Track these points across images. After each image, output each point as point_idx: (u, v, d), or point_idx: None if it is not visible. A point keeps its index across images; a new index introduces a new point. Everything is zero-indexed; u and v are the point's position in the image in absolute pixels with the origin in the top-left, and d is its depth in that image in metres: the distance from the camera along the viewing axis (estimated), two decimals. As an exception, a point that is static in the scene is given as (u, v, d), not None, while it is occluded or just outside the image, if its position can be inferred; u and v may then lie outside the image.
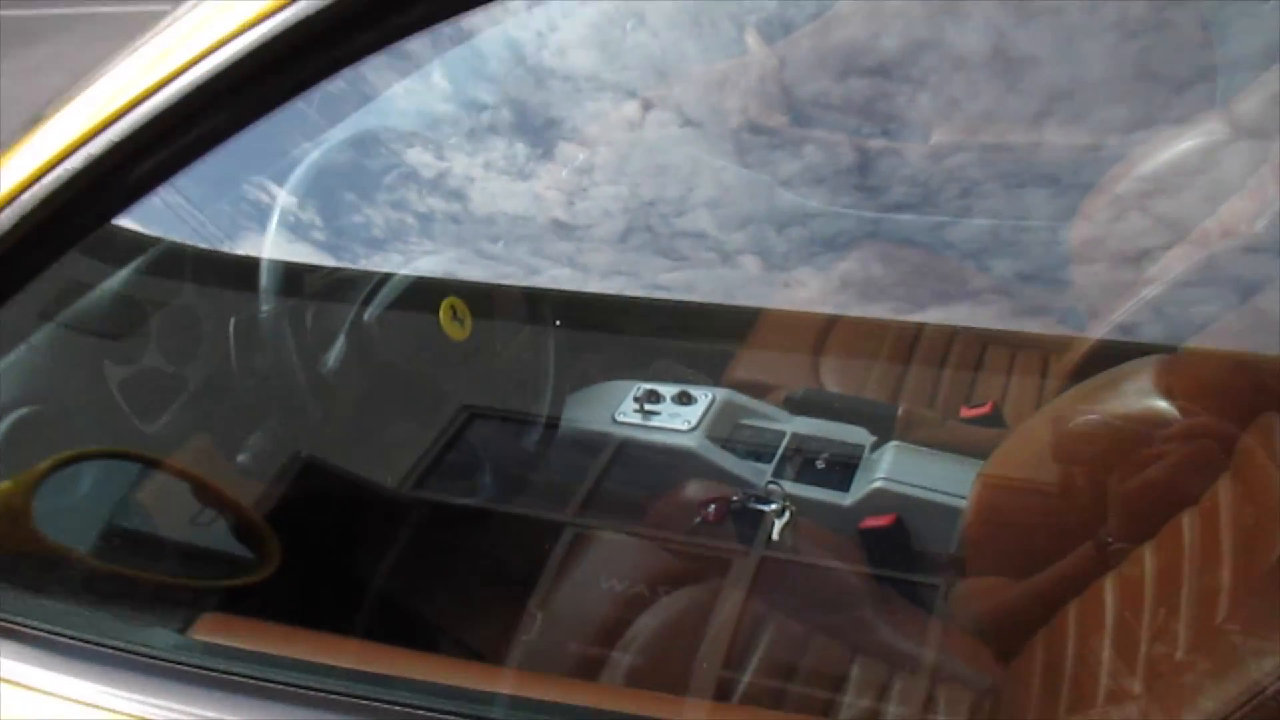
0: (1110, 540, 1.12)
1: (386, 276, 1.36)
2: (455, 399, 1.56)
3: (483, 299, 1.49)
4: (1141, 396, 1.13)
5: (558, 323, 1.60)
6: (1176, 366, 1.12)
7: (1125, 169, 1.56)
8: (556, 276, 1.67)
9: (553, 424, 1.60)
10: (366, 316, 1.30)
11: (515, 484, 1.60)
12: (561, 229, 1.72)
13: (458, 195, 1.64)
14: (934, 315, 1.76)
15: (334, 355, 1.26)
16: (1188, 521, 1.06)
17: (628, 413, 1.67)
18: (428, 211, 1.61)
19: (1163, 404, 1.10)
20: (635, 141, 1.82)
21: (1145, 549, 1.10)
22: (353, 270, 1.40)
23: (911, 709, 1.35)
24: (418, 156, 1.63)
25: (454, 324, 1.37)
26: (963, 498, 1.44)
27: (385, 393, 1.42)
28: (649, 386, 1.71)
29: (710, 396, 1.68)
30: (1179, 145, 1.52)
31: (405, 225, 1.60)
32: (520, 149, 1.73)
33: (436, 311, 1.36)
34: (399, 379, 1.44)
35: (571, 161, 1.74)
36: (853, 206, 1.84)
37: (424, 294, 1.40)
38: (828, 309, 1.78)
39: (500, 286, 1.55)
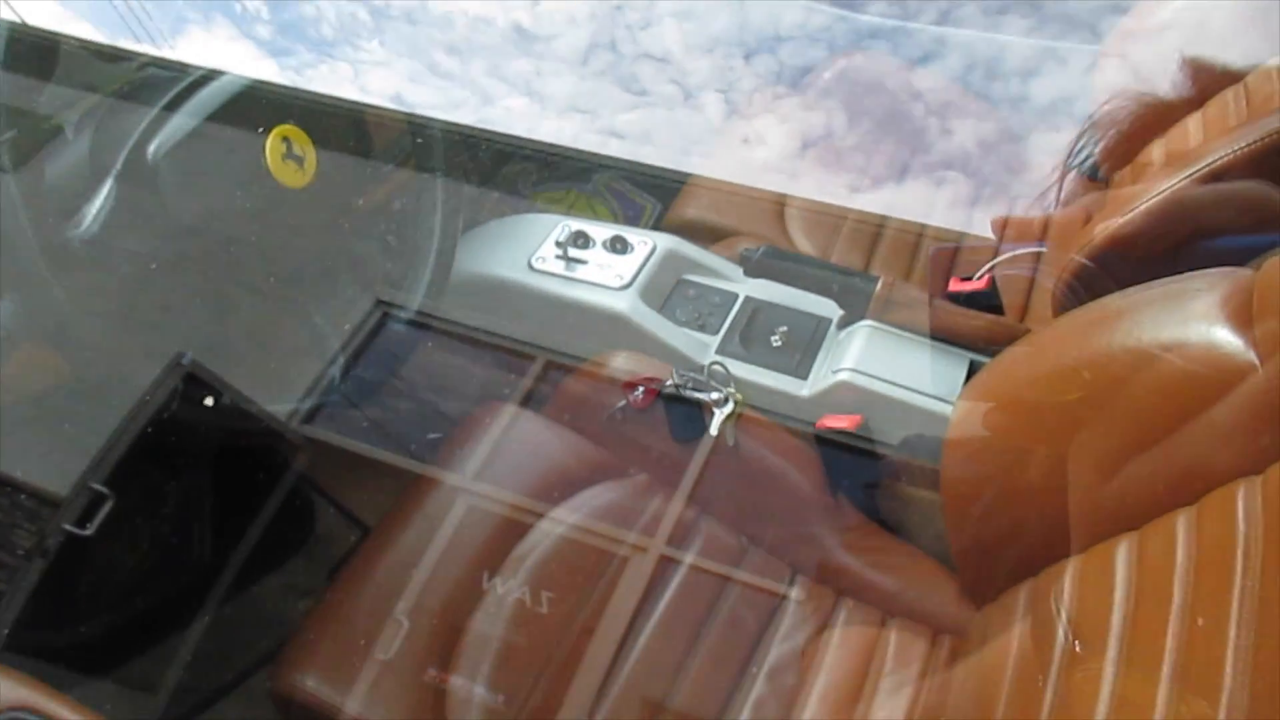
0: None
1: (197, 80, 0.99)
2: (287, 274, 1.22)
3: (329, 124, 1.13)
4: (1205, 324, 0.86)
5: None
6: (1265, 285, 0.84)
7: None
8: (510, 107, 1.43)
9: (441, 271, 1.29)
10: (151, 154, 0.93)
11: (378, 376, 1.31)
12: (523, 38, 1.48)
13: None
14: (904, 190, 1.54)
15: (92, 212, 0.89)
16: (1244, 494, 0.81)
17: (547, 258, 1.36)
18: (383, 5, 1.41)
19: (1233, 340, 0.83)
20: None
21: (1179, 516, 0.85)
22: (157, 62, 1.03)
23: (854, 641, 1.14)
24: None
25: (288, 164, 1.01)
26: (945, 400, 1.19)
27: (170, 279, 1.08)
28: (576, 226, 1.39)
29: (650, 245, 1.38)
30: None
31: (358, 22, 1.36)
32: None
33: (262, 146, 0.99)
34: (195, 252, 1.09)
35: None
36: (824, 31, 1.60)
37: (243, 115, 1.03)
38: (782, 178, 1.54)
39: (352, 105, 1.20)
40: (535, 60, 1.52)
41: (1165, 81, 1.50)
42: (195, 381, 1.12)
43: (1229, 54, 1.40)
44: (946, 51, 1.61)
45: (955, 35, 1.59)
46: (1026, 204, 1.55)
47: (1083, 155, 1.51)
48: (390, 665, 1.05)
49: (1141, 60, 1.53)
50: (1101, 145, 1.60)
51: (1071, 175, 1.54)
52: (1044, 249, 1.49)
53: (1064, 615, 0.91)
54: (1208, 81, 1.44)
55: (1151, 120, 1.52)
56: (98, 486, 1.01)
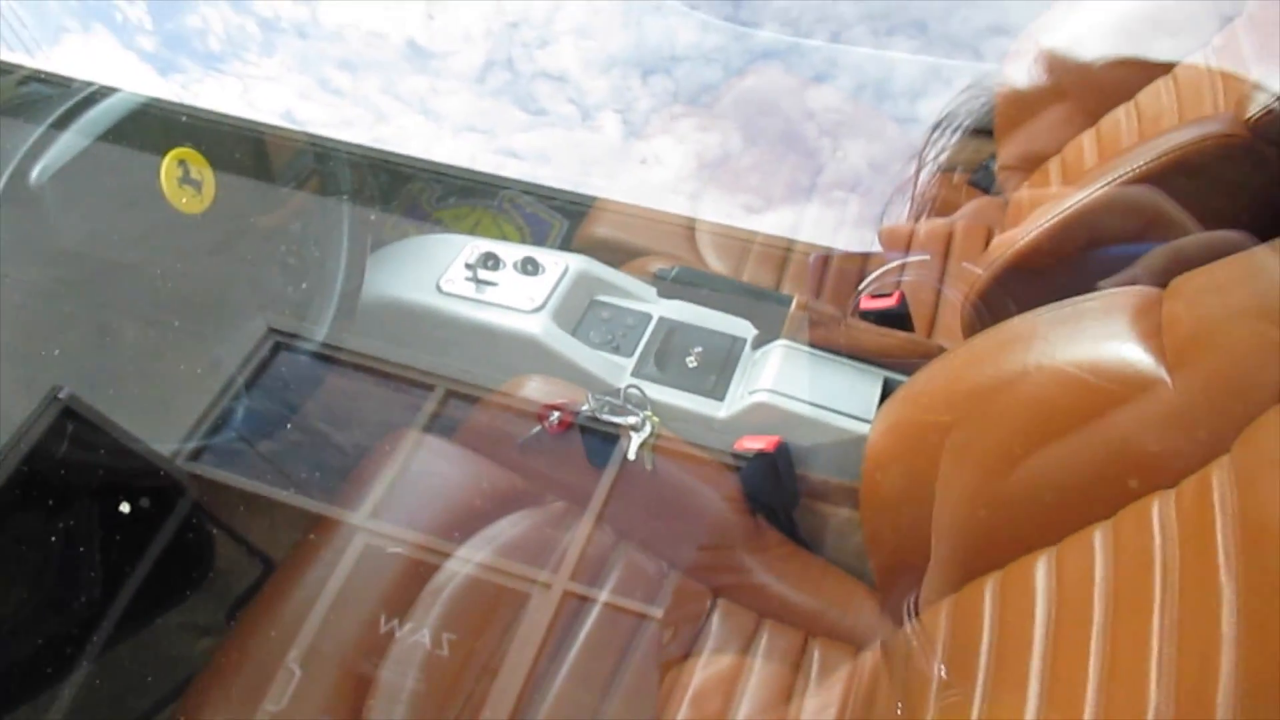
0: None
1: (85, 98, 0.93)
2: (177, 302, 1.16)
3: (225, 145, 1.08)
4: (1116, 341, 0.87)
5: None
6: (1173, 302, 0.86)
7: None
8: (404, 126, 1.39)
9: (349, 297, 1.24)
10: (34, 176, 0.86)
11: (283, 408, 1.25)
12: (417, 55, 1.44)
13: None
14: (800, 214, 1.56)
15: None
16: (1159, 507, 0.83)
17: (456, 281, 1.32)
18: (272, 17, 1.34)
19: (1144, 356, 0.85)
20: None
21: (1096, 530, 0.87)
22: (40, 77, 0.96)
23: (778, 663, 1.13)
24: None
25: (184, 189, 0.95)
26: (860, 419, 1.19)
27: (49, 307, 1.01)
28: (486, 247, 1.36)
29: (562, 266, 1.35)
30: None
31: (246, 34, 1.29)
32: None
33: (157, 169, 0.93)
34: (78, 279, 1.02)
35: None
36: (719, 51, 1.61)
37: (134, 135, 0.97)
38: (681, 199, 1.55)
39: (253, 128, 1.14)
40: (430, 78, 1.48)
41: (1059, 95, 1.55)
42: (74, 416, 1.05)
43: (1119, 72, 1.45)
44: (838, 72, 1.63)
45: (846, 55, 1.61)
46: (894, 206, 1.59)
47: (937, 151, 1.56)
48: (279, 718, 1.00)
49: (1035, 76, 1.58)
50: (998, 163, 1.65)
51: (928, 173, 1.59)
52: (925, 258, 1.53)
53: (986, 634, 0.91)
54: (1100, 96, 1.49)
55: (1046, 130, 1.57)
56: (-32, 528, 0.94)
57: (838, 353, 1.25)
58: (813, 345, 1.26)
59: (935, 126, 1.59)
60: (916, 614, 1.04)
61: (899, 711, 0.92)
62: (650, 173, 1.55)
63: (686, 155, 1.54)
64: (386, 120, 1.42)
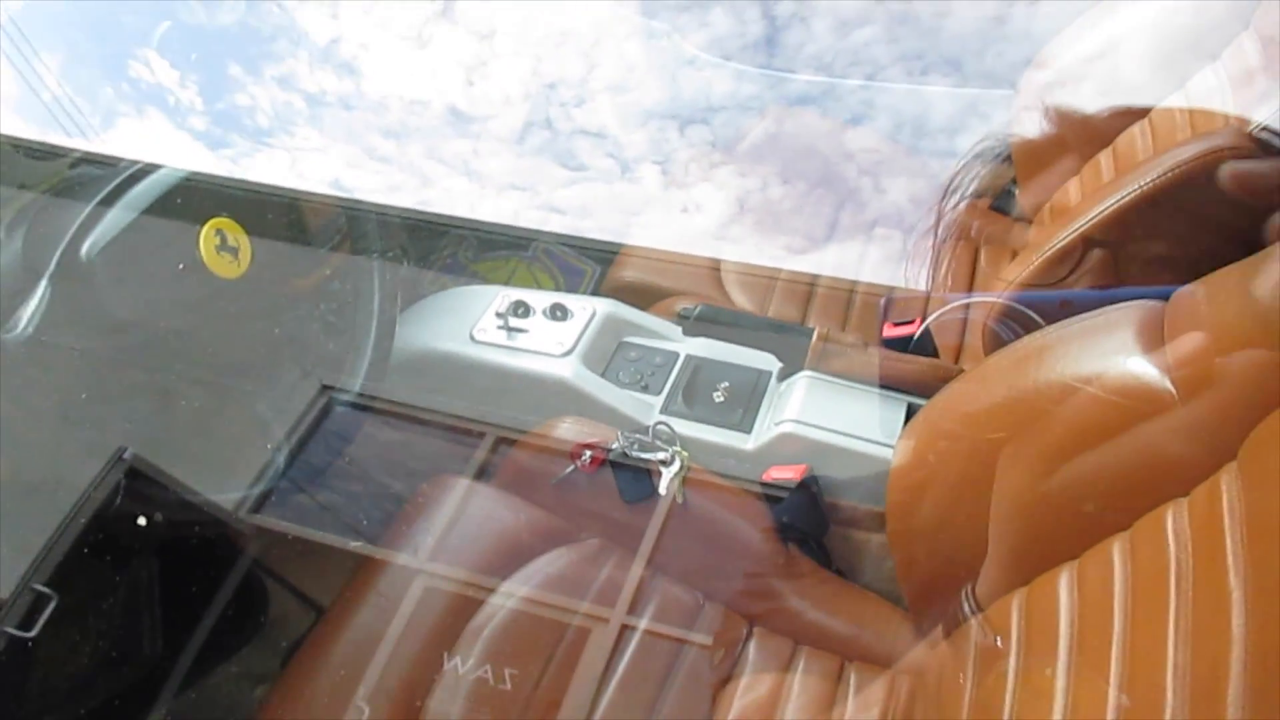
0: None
1: (129, 176, 1.00)
2: (228, 364, 1.22)
3: (262, 213, 1.14)
4: (1120, 356, 0.89)
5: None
6: (1174, 316, 0.88)
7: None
8: (449, 188, 1.44)
9: (382, 349, 1.29)
10: (84, 252, 0.94)
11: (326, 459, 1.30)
12: (459, 120, 1.49)
13: (350, 69, 1.38)
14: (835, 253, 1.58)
15: (27, 314, 0.90)
16: (1172, 516, 0.84)
17: (489, 330, 1.37)
18: (318, 92, 1.39)
19: (1149, 370, 0.86)
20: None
21: (1115, 541, 0.88)
22: (89, 158, 1.04)
23: (815, 688, 1.14)
24: (310, 16, 1.43)
25: (222, 256, 1.02)
26: (885, 444, 1.21)
27: (108, 375, 1.08)
28: (516, 296, 1.41)
29: (590, 311, 1.40)
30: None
31: (294, 109, 1.36)
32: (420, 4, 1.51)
33: (196, 239, 1.00)
34: (133, 347, 1.08)
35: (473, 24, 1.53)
36: (755, 99, 1.64)
37: (176, 208, 1.04)
38: (727, 244, 1.57)
39: (288, 195, 1.20)
40: (472, 141, 1.53)
41: (1075, 121, 1.56)
42: (137, 476, 1.11)
43: (1136, 96, 1.47)
44: (875, 113, 1.66)
45: (881, 95, 1.64)
46: (920, 236, 1.60)
47: (968, 184, 1.57)
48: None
49: (1052, 103, 1.59)
50: (1020, 189, 1.66)
51: (960, 202, 1.60)
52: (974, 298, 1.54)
53: (1016, 646, 0.93)
54: (1115, 119, 1.51)
55: (1062, 156, 1.58)
56: (40, 587, 0.99)
57: (861, 381, 1.28)
58: (836, 375, 1.29)
59: (963, 158, 1.61)
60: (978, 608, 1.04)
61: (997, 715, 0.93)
62: (691, 220, 1.59)
63: (727, 201, 1.58)
64: (432, 184, 1.47)
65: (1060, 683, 0.85)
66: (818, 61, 1.69)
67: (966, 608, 1.00)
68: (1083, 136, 1.52)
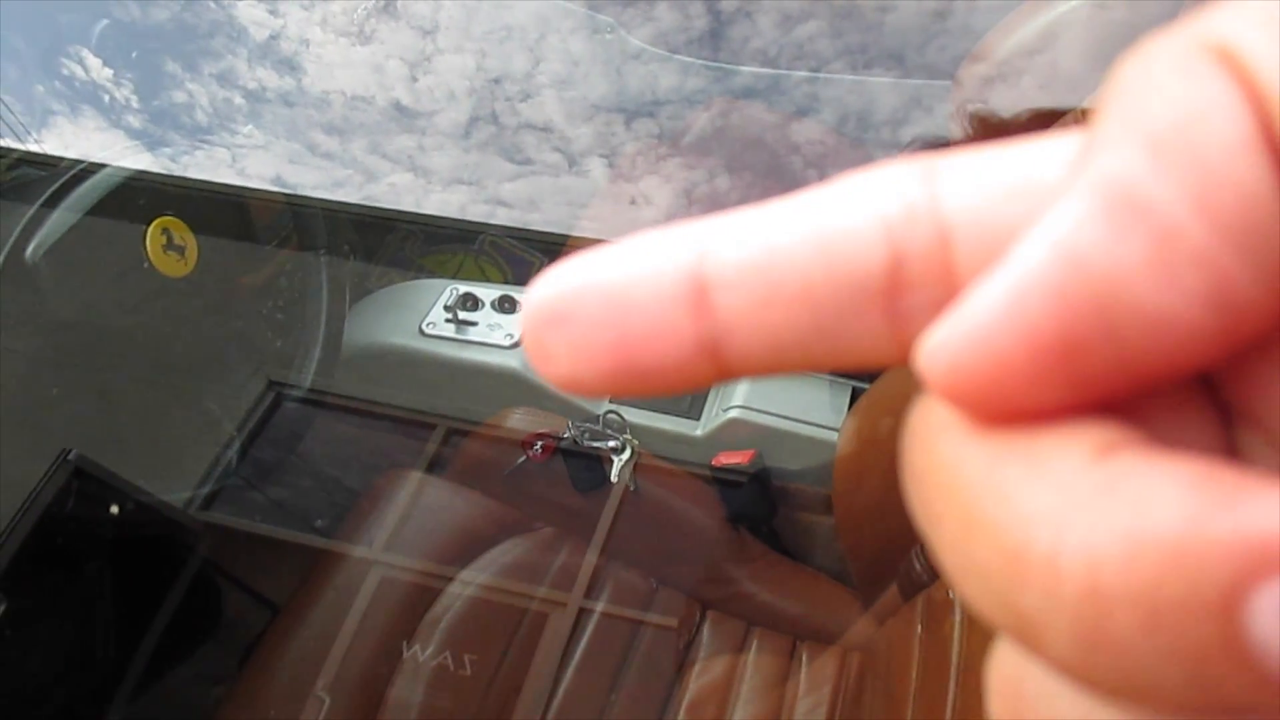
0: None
1: (72, 176, 0.99)
2: (175, 362, 1.21)
3: (209, 210, 1.14)
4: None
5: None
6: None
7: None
8: (395, 183, 1.44)
9: (330, 348, 1.29)
10: (29, 254, 0.93)
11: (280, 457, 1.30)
12: (403, 115, 1.49)
13: (291, 66, 1.36)
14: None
15: None
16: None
17: (437, 323, 1.38)
18: (258, 89, 1.36)
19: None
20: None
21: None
22: (29, 159, 1.03)
23: (768, 668, 1.17)
24: (249, 11, 1.38)
25: (169, 255, 1.01)
26: (830, 429, 1.24)
27: (53, 376, 1.07)
28: (464, 289, 1.42)
29: (538, 302, 1.40)
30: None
31: (233, 106, 1.33)
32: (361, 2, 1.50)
33: (142, 238, 0.99)
34: (78, 347, 1.07)
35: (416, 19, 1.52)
36: (701, 93, 1.65)
37: (121, 208, 1.03)
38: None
39: (235, 193, 1.20)
40: (417, 136, 1.52)
41: (1013, 113, 1.60)
42: (84, 476, 1.10)
43: (1074, 89, 1.50)
44: (820, 105, 1.68)
45: (827, 88, 1.66)
46: None
47: None
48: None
49: (991, 95, 1.63)
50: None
51: None
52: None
53: (958, 609, 0.96)
54: (1051, 112, 1.55)
55: (989, 140, 1.62)
56: (-12, 591, 0.99)
57: (807, 366, 1.30)
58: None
59: (903, 148, 1.64)
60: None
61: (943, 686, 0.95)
62: (640, 212, 1.60)
63: (675, 194, 1.59)
64: (376, 179, 1.46)
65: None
66: (763, 56, 1.71)
67: (918, 565, 1.03)
68: (1021, 128, 1.56)
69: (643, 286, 0.14)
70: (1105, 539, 0.11)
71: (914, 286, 0.13)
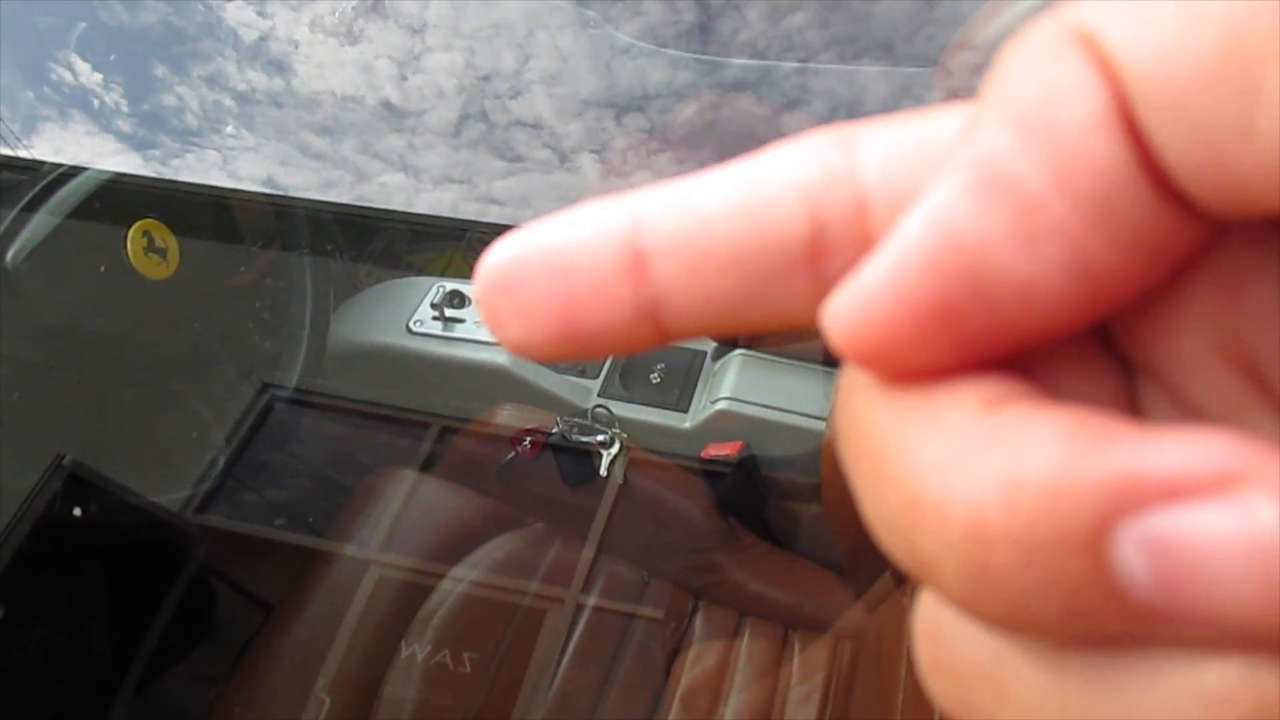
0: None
1: (52, 180, 0.99)
2: (164, 365, 1.21)
3: (191, 212, 1.14)
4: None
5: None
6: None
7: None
8: (386, 183, 1.44)
9: (317, 347, 1.29)
10: (9, 259, 0.93)
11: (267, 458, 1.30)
12: (393, 114, 1.48)
13: (280, 67, 1.36)
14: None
15: None
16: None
17: (425, 321, 1.38)
18: (247, 90, 1.36)
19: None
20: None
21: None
22: (8, 163, 1.03)
23: (761, 658, 1.18)
24: (237, 13, 1.37)
25: (150, 258, 1.02)
26: (818, 418, 1.25)
27: (42, 382, 1.07)
28: (451, 286, 1.42)
29: (525, 298, 1.41)
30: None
31: (223, 109, 1.33)
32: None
33: (123, 241, 1.00)
34: (66, 353, 1.07)
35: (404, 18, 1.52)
36: (690, 86, 1.65)
37: (102, 211, 1.04)
38: None
39: (216, 193, 1.20)
40: (407, 135, 1.52)
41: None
42: (78, 481, 1.10)
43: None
44: (810, 96, 1.68)
45: (816, 79, 1.66)
46: None
47: None
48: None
49: (979, 80, 1.63)
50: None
51: None
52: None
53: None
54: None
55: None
56: (-17, 598, 0.99)
57: (794, 356, 1.31)
58: (768, 352, 1.32)
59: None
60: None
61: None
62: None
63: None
64: (368, 179, 1.46)
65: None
66: (752, 48, 1.70)
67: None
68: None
69: (584, 254, 0.15)
70: (986, 484, 0.11)
71: (835, 251, 0.14)
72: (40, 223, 0.97)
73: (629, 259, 0.14)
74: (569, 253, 0.15)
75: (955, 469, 0.12)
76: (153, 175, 1.18)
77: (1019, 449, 0.11)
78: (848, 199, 0.14)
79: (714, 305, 0.14)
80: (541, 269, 0.15)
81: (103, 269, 1.02)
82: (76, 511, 1.10)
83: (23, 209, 0.97)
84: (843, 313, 0.13)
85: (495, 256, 0.15)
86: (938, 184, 0.12)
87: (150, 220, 1.02)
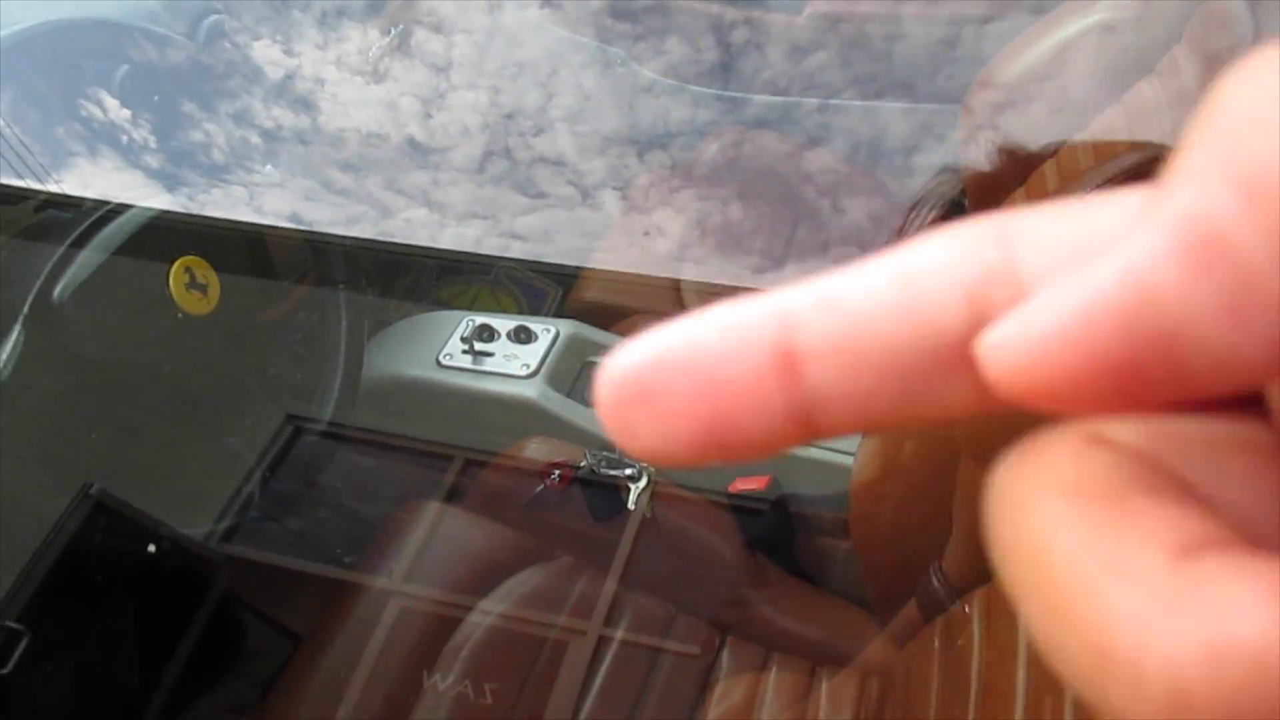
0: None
1: (98, 217, 1.01)
2: (196, 398, 1.23)
3: (230, 252, 1.16)
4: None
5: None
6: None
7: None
8: (410, 219, 1.45)
9: (350, 380, 1.31)
10: (56, 294, 0.95)
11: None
12: (418, 151, 1.50)
13: (306, 104, 1.38)
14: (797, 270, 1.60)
15: (3, 359, 0.91)
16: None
17: (454, 354, 1.39)
18: (274, 127, 1.40)
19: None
20: (494, 29, 1.62)
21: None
22: (55, 200, 1.05)
23: (788, 694, 1.17)
24: (264, 52, 1.41)
25: (191, 293, 1.04)
26: (846, 453, 1.24)
27: (77, 413, 1.08)
28: (480, 320, 1.43)
29: (553, 331, 1.42)
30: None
31: (250, 145, 1.36)
32: (374, 38, 1.51)
33: (166, 277, 1.02)
34: (101, 385, 1.09)
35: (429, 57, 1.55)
36: (712, 124, 1.65)
37: (145, 247, 1.06)
38: (689, 265, 1.59)
39: (254, 230, 1.22)
40: (431, 172, 1.54)
41: (1022, 134, 1.61)
42: (105, 510, 1.11)
43: (1083, 112, 1.51)
44: (831, 134, 1.69)
45: (838, 117, 1.67)
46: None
47: (937, 196, 1.61)
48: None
49: (1001, 119, 1.64)
50: (969, 197, 1.71)
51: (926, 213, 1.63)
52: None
53: (976, 637, 0.96)
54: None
55: (1011, 168, 1.63)
56: (11, 624, 1.00)
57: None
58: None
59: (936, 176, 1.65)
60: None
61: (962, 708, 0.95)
62: (654, 244, 1.60)
63: (688, 224, 1.60)
64: (392, 214, 1.47)
65: (1023, 640, 0.88)
66: (773, 86, 1.72)
67: (935, 581, 1.03)
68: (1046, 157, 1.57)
69: (730, 361, 0.14)
70: (1190, 646, 0.11)
71: None
72: (87, 259, 0.99)
73: (780, 363, 0.14)
74: (714, 358, 0.14)
75: (1151, 628, 0.11)
76: (185, 211, 1.20)
77: (1224, 609, 0.11)
78: (1009, 296, 0.13)
79: (871, 406, 0.14)
80: (683, 375, 0.14)
81: (144, 304, 1.04)
82: (102, 540, 1.11)
83: (70, 245, 0.99)
84: (1009, 348, 0.12)
85: (625, 362, 0.14)
86: (1136, 237, 0.12)
87: (192, 257, 1.04)
